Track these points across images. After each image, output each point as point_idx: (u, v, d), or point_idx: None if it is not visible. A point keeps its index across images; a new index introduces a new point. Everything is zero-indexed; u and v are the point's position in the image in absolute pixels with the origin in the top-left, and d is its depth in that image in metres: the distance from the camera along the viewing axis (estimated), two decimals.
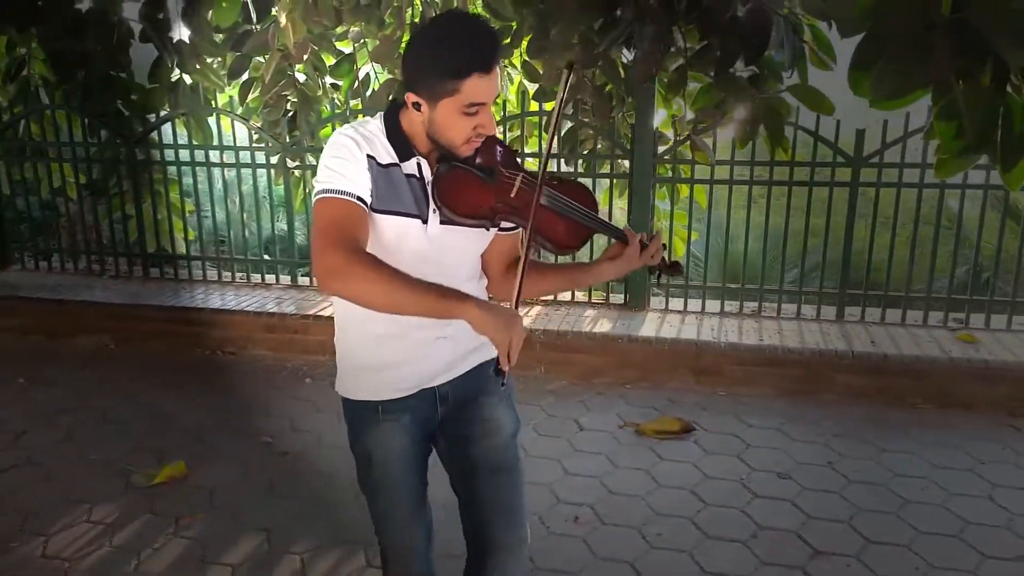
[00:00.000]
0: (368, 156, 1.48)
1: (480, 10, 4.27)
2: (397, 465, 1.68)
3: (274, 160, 4.78)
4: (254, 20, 4.36)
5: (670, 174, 4.37)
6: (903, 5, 1.80)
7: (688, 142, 4.06)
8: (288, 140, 4.70)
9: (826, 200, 4.22)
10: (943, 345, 3.88)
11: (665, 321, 4.34)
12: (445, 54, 1.40)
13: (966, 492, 3.02)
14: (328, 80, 4.80)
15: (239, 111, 4.93)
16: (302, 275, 5.02)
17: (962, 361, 3.71)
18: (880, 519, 2.85)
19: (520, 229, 1.66)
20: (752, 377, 3.97)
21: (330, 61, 4.68)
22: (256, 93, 4.70)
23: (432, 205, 1.52)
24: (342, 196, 1.42)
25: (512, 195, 1.56)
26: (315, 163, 4.59)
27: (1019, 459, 3.27)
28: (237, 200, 5.17)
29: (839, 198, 4.18)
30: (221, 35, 4.43)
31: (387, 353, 1.62)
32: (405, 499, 1.71)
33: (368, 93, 4.70)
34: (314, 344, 4.45)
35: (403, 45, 4.37)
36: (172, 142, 4.94)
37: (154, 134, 4.98)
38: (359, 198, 1.44)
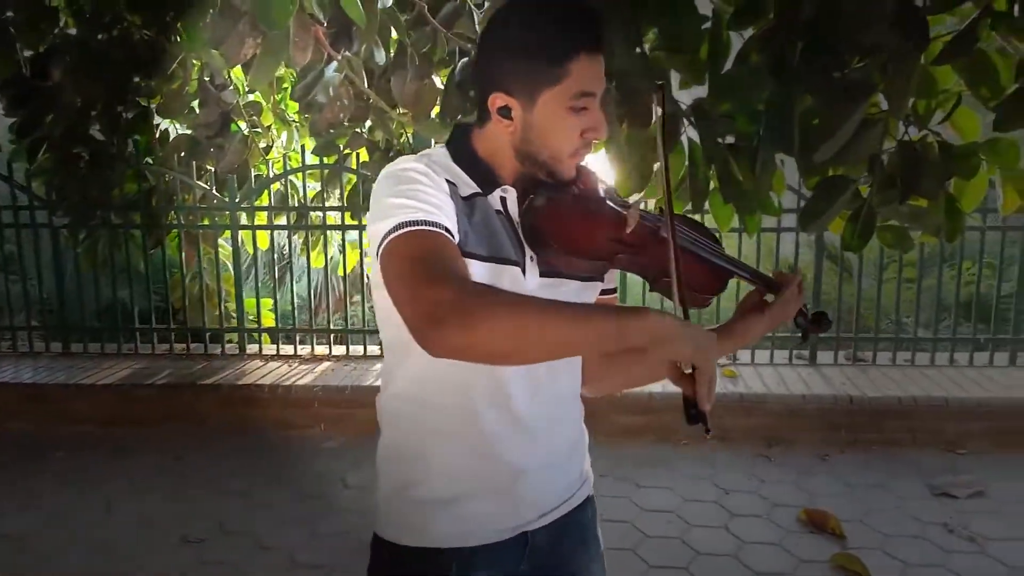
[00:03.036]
0: (448, 182, 1.10)
1: None
2: None
3: None
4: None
5: None
6: None
7: None
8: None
9: None
10: None
11: None
12: (544, 31, 1.08)
13: (707, 524, 3.10)
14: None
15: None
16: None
17: (720, 395, 3.85)
18: (618, 556, 2.86)
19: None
20: None
21: None
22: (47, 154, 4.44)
23: (528, 251, 1.14)
24: (426, 228, 1.00)
25: (628, 231, 1.19)
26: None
27: (763, 487, 3.41)
28: None
29: None
30: None
31: (493, 472, 1.14)
32: None
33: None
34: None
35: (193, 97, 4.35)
36: None
37: None
38: (447, 230, 1.03)
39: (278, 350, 4.60)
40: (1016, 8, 1.59)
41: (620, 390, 1.44)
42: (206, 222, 4.55)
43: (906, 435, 3.77)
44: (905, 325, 4.92)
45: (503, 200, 1.15)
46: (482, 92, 1.14)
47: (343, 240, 4.55)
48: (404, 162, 1.11)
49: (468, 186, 1.13)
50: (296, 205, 4.53)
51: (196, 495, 3.42)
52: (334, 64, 2.45)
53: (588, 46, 1.08)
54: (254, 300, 4.66)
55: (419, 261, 0.98)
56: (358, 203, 4.31)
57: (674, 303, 1.10)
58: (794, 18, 1.69)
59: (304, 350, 4.61)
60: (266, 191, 4.49)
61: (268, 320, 4.87)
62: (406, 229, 1.00)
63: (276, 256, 5.92)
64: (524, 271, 1.12)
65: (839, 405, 3.80)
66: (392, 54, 2.92)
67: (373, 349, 4.60)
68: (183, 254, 4.56)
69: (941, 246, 4.39)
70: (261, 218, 4.57)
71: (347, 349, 4.59)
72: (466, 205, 1.11)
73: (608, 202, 1.22)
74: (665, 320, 0.95)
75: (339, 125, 2.36)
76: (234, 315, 4.69)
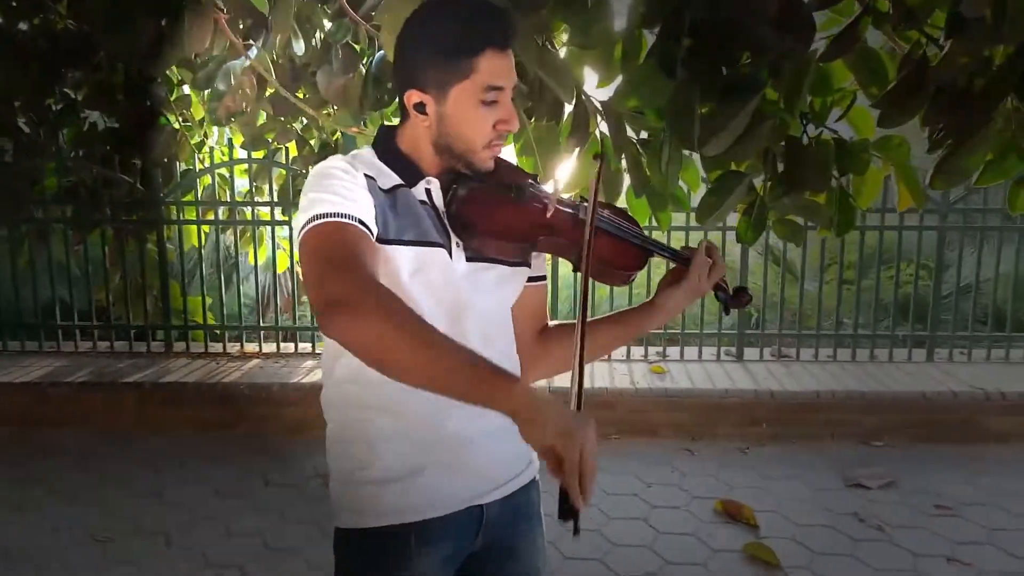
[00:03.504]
0: (367, 176, 1.16)
1: None
2: None
3: None
4: None
5: None
6: None
7: None
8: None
9: None
10: (634, 377, 4.09)
11: None
12: (453, 28, 1.14)
13: (625, 516, 3.13)
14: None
15: None
16: None
17: (646, 391, 3.92)
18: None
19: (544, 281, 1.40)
20: None
21: None
22: None
23: (454, 238, 1.20)
24: (338, 219, 1.06)
25: (549, 215, 1.26)
26: None
27: (683, 480, 3.46)
28: None
29: None
30: None
31: (439, 442, 1.18)
32: None
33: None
34: None
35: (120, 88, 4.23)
36: None
37: None
38: (360, 221, 1.08)
39: (206, 348, 4.52)
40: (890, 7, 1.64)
41: (553, 374, 1.44)
42: (133, 218, 4.44)
43: (824, 428, 3.86)
44: (846, 324, 5.05)
45: (428, 191, 1.21)
46: (399, 90, 1.20)
47: (272, 236, 4.48)
48: (328, 161, 1.17)
49: (391, 179, 1.19)
50: (227, 200, 4.46)
51: (108, 495, 3.34)
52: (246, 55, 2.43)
53: (495, 42, 1.14)
54: (199, 298, 4.54)
55: (326, 251, 1.04)
56: (288, 199, 4.26)
57: (582, 275, 1.17)
58: (679, 17, 1.73)
59: (234, 348, 4.53)
60: (197, 187, 4.41)
61: (211, 319, 4.77)
62: (318, 221, 1.07)
63: (222, 255, 5.79)
64: (451, 255, 1.19)
65: (760, 400, 3.88)
66: (319, 47, 2.91)
67: (306, 347, 4.55)
68: (106, 250, 4.44)
69: (879, 247, 4.54)
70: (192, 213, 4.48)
71: (296, 347, 4.52)
72: (388, 196, 1.17)
73: (529, 189, 1.28)
74: (528, 399, 0.92)
75: (240, 114, 2.34)
76: (178, 312, 4.57)
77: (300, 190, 4.30)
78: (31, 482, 3.44)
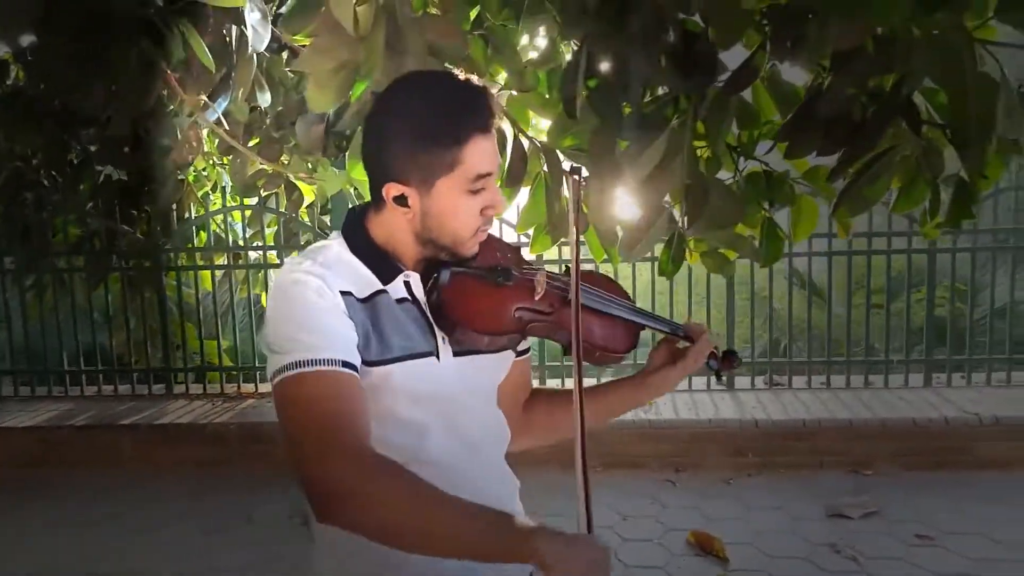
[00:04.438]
0: (342, 293, 1.06)
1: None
2: None
3: None
4: None
5: None
6: None
7: None
8: None
9: None
10: None
11: None
12: (433, 117, 1.06)
13: None
14: None
15: None
16: None
17: (629, 422, 3.91)
18: None
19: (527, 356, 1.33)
20: None
21: None
22: None
23: (438, 332, 1.12)
24: (321, 369, 0.98)
25: (537, 298, 1.18)
26: None
27: (662, 512, 3.44)
28: None
29: None
30: None
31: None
32: None
33: None
34: None
35: None
36: None
37: None
38: (345, 363, 1.00)
39: (205, 389, 4.64)
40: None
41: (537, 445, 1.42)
42: (140, 264, 4.58)
43: (811, 457, 3.80)
44: (856, 352, 4.96)
45: (407, 284, 1.13)
46: (374, 179, 1.11)
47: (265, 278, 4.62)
48: (295, 273, 1.05)
49: (367, 285, 1.10)
50: (230, 245, 4.60)
51: (103, 533, 3.44)
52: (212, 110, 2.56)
53: (480, 127, 1.06)
54: (214, 342, 4.67)
55: (317, 418, 0.96)
56: (281, 242, 4.41)
57: (574, 363, 1.10)
58: (578, 58, 1.79)
59: (231, 388, 4.65)
60: (203, 232, 4.59)
61: (226, 361, 4.88)
62: (299, 371, 0.98)
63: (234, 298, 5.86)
64: (438, 356, 1.11)
65: (745, 429, 3.84)
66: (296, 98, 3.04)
67: None
68: (108, 298, 4.60)
69: (881, 270, 4.46)
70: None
71: None
72: (366, 308, 1.08)
73: (514, 271, 1.19)
74: (551, 547, 0.90)
75: (187, 167, 2.46)
76: (194, 355, 4.69)
77: (294, 232, 4.41)
78: (30, 518, 3.57)
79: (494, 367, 1.21)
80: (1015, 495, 3.44)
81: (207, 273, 4.60)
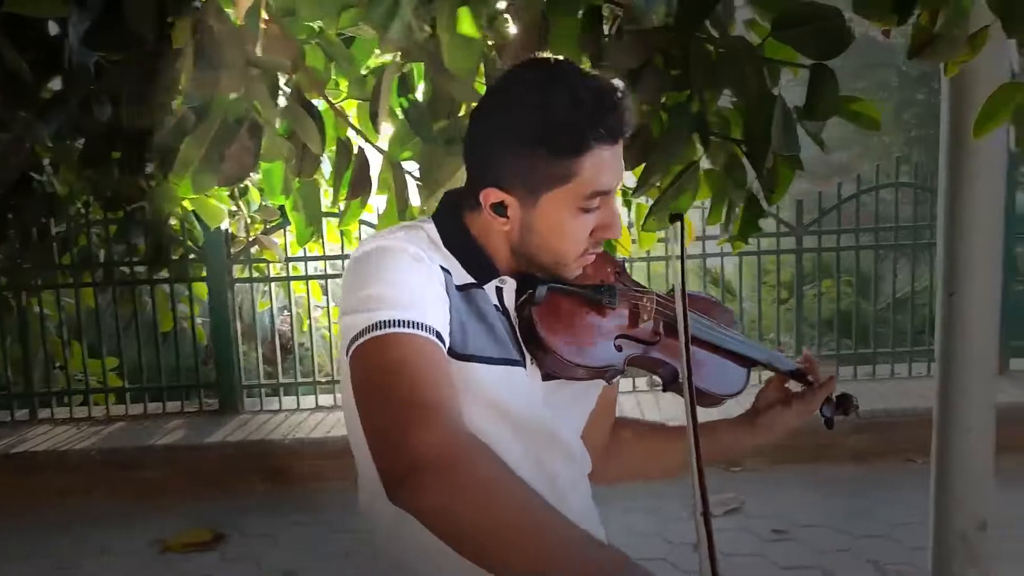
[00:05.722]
0: (443, 269, 0.94)
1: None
2: None
3: None
4: None
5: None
6: None
7: None
8: None
9: None
10: None
11: (250, 424, 4.23)
12: (551, 120, 0.90)
13: None
14: None
15: None
16: None
17: None
18: None
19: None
20: (323, 471, 3.92)
21: None
22: None
23: (528, 354, 0.98)
24: (417, 333, 0.85)
25: (641, 325, 1.03)
26: None
27: None
28: None
29: None
30: None
31: None
32: None
33: None
34: None
35: None
36: None
37: None
38: (438, 334, 0.87)
39: (71, 414, 4.43)
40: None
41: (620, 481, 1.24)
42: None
43: None
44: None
45: (499, 291, 0.99)
46: (472, 180, 0.98)
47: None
48: (390, 238, 0.94)
49: (462, 275, 0.97)
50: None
51: None
52: None
53: (606, 137, 0.91)
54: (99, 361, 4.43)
55: (407, 383, 0.82)
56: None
57: (686, 406, 0.91)
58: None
59: (99, 411, 4.45)
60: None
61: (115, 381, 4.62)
62: (392, 331, 0.84)
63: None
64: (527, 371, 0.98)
65: None
66: None
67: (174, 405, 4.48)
68: None
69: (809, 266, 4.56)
70: None
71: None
72: (462, 297, 0.95)
73: (618, 290, 1.04)
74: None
75: None
76: (79, 376, 4.46)
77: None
78: None
79: (584, 394, 1.06)
80: (872, 487, 3.55)
81: (88, 290, 4.42)
